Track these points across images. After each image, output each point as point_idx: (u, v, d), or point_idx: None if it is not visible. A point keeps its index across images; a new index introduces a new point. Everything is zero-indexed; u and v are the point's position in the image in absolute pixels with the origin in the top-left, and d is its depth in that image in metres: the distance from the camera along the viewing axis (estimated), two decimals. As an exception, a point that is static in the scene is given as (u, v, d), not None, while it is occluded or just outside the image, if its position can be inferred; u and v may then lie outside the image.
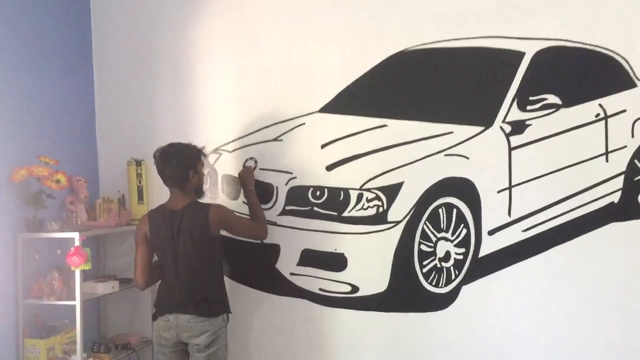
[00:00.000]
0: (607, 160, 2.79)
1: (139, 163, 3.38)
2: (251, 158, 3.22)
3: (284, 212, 3.13)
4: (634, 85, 2.75)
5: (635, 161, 2.79)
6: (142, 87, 3.48)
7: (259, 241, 3.13)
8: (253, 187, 3.10)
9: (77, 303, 2.90)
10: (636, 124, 2.77)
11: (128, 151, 3.42)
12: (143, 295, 3.27)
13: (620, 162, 2.78)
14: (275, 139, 3.20)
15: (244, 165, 3.20)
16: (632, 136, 2.77)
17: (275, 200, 3.15)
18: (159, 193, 3.01)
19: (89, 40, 3.57)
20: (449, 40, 2.95)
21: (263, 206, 3.11)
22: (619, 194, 2.80)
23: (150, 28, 3.47)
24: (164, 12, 3.45)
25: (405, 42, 3.00)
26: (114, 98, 3.53)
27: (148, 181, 3.36)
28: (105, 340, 3.33)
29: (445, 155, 2.91)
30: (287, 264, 3.15)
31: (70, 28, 3.46)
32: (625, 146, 2.78)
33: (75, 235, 2.91)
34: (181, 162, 2.79)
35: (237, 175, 3.20)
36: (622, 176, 2.79)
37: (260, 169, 3.19)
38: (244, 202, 3.16)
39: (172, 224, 2.76)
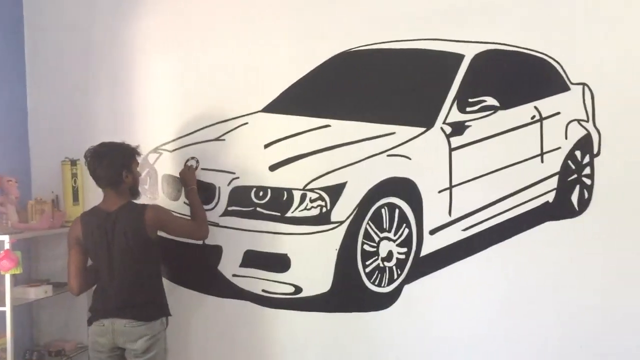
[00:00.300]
0: (542, 161, 2.88)
1: (74, 163, 3.26)
2: (192, 157, 3.16)
3: (226, 213, 3.08)
4: (567, 88, 2.85)
5: (569, 162, 2.89)
6: (78, 84, 3.36)
7: (200, 242, 3.07)
8: (195, 186, 3.04)
9: (7, 309, 2.81)
10: (569, 126, 2.87)
11: (62, 150, 3.29)
12: (78, 300, 3.15)
13: (554, 162, 2.88)
14: (217, 139, 3.15)
15: (185, 165, 3.14)
16: (566, 138, 2.87)
17: (218, 201, 3.10)
18: (95, 194, 2.91)
19: (21, 34, 3.42)
20: (391, 41, 2.98)
21: (205, 207, 3.05)
22: (553, 193, 2.89)
23: (87, 23, 3.35)
24: (100, 8, 3.34)
25: (347, 42, 3.02)
26: (48, 95, 3.40)
27: (84, 181, 3.25)
28: (38, 347, 3.23)
29: (388, 155, 2.94)
30: (229, 266, 3.10)
31: (1, 22, 3.30)
32: (559, 147, 2.88)
33: (5, 238, 2.81)
34: (113, 162, 2.73)
35: (177, 175, 3.13)
36: (557, 176, 2.88)
37: (202, 168, 3.13)
38: (185, 202, 3.10)
39: (106, 226, 2.69)
